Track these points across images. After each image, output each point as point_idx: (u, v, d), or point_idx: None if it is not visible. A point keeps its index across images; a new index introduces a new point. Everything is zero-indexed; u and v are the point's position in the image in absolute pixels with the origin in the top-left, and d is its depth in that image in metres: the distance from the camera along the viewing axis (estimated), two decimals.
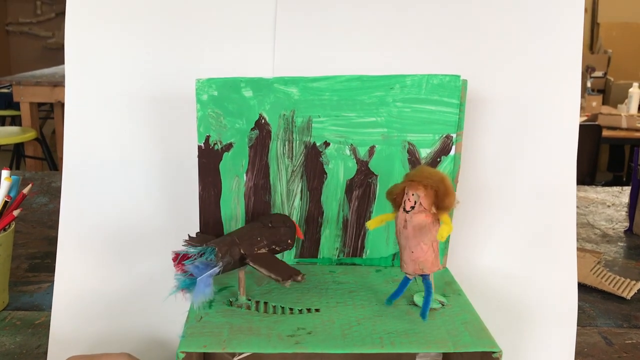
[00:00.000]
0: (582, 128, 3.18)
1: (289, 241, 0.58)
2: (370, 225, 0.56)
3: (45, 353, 0.70)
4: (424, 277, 0.54)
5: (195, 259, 0.52)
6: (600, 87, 4.67)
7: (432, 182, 0.52)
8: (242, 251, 0.54)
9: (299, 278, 0.53)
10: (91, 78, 0.69)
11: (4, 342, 0.74)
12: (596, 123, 3.46)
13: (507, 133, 0.67)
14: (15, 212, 0.80)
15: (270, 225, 0.58)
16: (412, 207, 0.52)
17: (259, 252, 0.55)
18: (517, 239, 0.68)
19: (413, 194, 0.52)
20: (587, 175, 3.36)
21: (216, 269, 0.52)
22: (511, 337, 0.67)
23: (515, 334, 0.68)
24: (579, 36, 0.67)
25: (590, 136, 3.33)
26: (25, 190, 0.83)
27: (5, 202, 0.79)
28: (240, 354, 0.53)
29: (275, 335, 0.50)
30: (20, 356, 0.71)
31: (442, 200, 0.52)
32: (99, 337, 0.69)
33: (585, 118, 3.59)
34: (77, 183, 0.69)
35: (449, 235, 0.64)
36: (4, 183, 0.79)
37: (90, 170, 0.69)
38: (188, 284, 0.51)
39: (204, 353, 0.54)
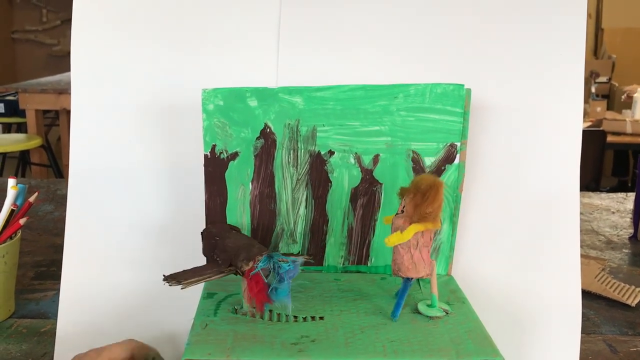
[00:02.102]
0: (587, 133, 3.18)
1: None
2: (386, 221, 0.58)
3: None
4: (404, 279, 0.55)
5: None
6: (605, 92, 4.66)
7: (418, 190, 0.52)
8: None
9: (175, 284, 0.52)
10: (96, 86, 0.69)
11: (10, 350, 0.74)
12: (601, 128, 3.45)
13: (511, 141, 0.68)
14: (22, 221, 0.80)
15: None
16: (402, 211, 0.53)
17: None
18: (521, 247, 0.68)
19: (404, 198, 0.53)
20: (591, 180, 3.35)
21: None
22: (515, 344, 0.67)
23: (519, 341, 0.68)
24: (582, 43, 0.67)
25: (594, 142, 3.33)
26: (32, 199, 0.84)
27: (12, 211, 0.79)
28: None
29: (278, 343, 0.51)
30: None
31: (418, 207, 0.52)
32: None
33: (589, 123, 3.58)
34: (82, 191, 0.70)
35: (453, 243, 0.64)
36: (11, 192, 0.79)
37: (96, 178, 0.70)
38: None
39: None
